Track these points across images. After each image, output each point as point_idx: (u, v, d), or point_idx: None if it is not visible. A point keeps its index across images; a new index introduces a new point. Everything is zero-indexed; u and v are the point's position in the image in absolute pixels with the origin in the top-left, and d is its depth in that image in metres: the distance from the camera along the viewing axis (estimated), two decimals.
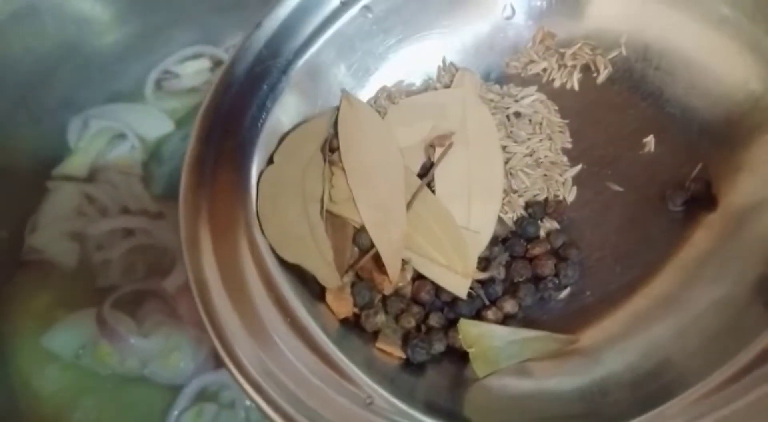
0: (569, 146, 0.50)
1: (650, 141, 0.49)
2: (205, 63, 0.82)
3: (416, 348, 0.42)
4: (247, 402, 0.62)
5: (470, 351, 0.42)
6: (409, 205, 0.45)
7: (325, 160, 0.46)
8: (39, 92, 0.73)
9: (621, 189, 0.48)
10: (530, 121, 0.51)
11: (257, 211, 0.44)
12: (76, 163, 0.74)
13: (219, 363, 0.64)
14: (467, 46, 0.54)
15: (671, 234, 0.46)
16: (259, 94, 0.47)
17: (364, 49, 0.52)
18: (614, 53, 0.52)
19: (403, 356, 0.43)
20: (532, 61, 0.54)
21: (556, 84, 0.53)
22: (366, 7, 0.51)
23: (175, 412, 0.61)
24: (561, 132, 0.51)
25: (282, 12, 0.48)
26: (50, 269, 0.69)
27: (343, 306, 0.43)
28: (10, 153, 0.71)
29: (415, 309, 0.45)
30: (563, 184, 0.49)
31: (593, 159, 0.50)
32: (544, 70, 0.54)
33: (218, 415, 0.62)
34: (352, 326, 0.44)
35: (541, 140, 0.50)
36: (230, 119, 0.45)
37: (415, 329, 0.44)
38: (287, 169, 0.46)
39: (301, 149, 0.47)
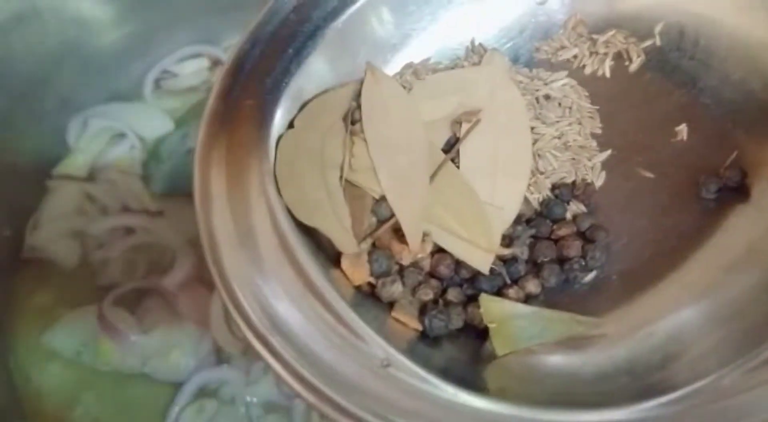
0: (599, 131, 0.50)
1: (683, 129, 0.48)
2: (203, 62, 0.82)
3: (435, 319, 0.41)
4: (248, 398, 0.62)
5: (491, 326, 0.41)
6: (431, 177, 0.44)
7: (346, 130, 0.46)
8: (39, 92, 0.73)
9: (652, 175, 0.47)
10: (560, 104, 0.50)
11: (275, 173, 0.43)
12: (77, 163, 0.74)
13: (219, 359, 0.64)
14: (497, 28, 0.53)
15: (703, 221, 0.45)
16: (283, 57, 0.46)
17: (393, 23, 0.51)
18: (648, 42, 0.51)
19: (420, 327, 0.42)
20: (563, 47, 0.53)
21: (587, 71, 0.52)
22: None
23: (176, 409, 0.61)
24: (591, 117, 0.50)
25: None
26: (51, 267, 0.69)
27: (358, 272, 0.42)
28: (10, 152, 0.71)
29: (433, 282, 0.44)
30: (592, 168, 0.48)
31: (623, 145, 0.49)
32: (575, 56, 0.53)
33: (218, 411, 0.62)
34: (368, 295, 0.43)
35: (570, 124, 0.49)
36: (252, 79, 0.45)
37: (433, 302, 0.43)
38: (307, 134, 0.45)
39: (322, 117, 0.46)
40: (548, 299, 0.44)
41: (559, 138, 0.49)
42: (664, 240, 0.45)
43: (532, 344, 0.41)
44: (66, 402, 0.62)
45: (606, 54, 0.52)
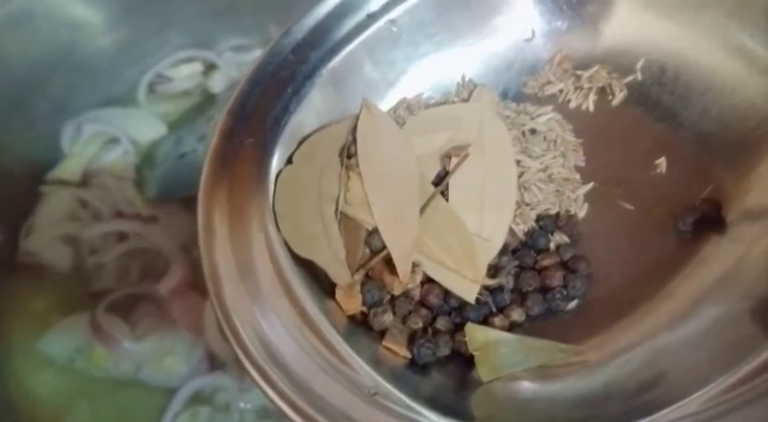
0: (582, 164, 0.51)
1: (662, 162, 0.50)
2: (197, 67, 0.83)
3: (422, 347, 0.43)
4: (241, 405, 0.62)
5: (476, 354, 0.43)
6: (422, 210, 0.46)
7: (342, 164, 0.48)
8: (32, 97, 0.74)
9: (632, 207, 0.49)
10: (545, 138, 0.52)
11: (273, 207, 0.45)
12: (70, 168, 0.75)
13: (213, 366, 0.65)
14: (486, 64, 0.55)
15: (680, 252, 0.46)
16: (283, 96, 0.48)
17: (386, 60, 0.53)
18: (630, 78, 0.53)
19: (409, 355, 0.43)
20: (549, 82, 0.55)
21: (572, 105, 0.54)
22: (391, 21, 0.52)
23: (170, 415, 0.62)
24: (575, 150, 0.52)
25: (310, 20, 0.50)
26: (44, 273, 0.69)
27: (351, 303, 0.44)
28: (3, 157, 0.72)
29: (423, 311, 0.45)
30: (575, 200, 0.50)
31: (605, 178, 0.50)
32: (561, 91, 0.54)
33: (212, 418, 0.63)
34: (360, 324, 0.45)
35: (554, 157, 0.51)
36: (253, 118, 0.47)
37: (422, 330, 0.45)
38: (305, 169, 0.47)
39: (319, 152, 0.48)
40: (532, 327, 0.46)
41: (544, 171, 0.50)
42: (643, 270, 0.46)
43: (515, 370, 0.42)
44: (60, 408, 0.63)
45: (590, 88, 0.54)
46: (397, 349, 0.43)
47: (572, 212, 0.49)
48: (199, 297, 0.67)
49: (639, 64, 0.52)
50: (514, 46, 0.55)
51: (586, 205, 0.50)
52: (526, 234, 0.48)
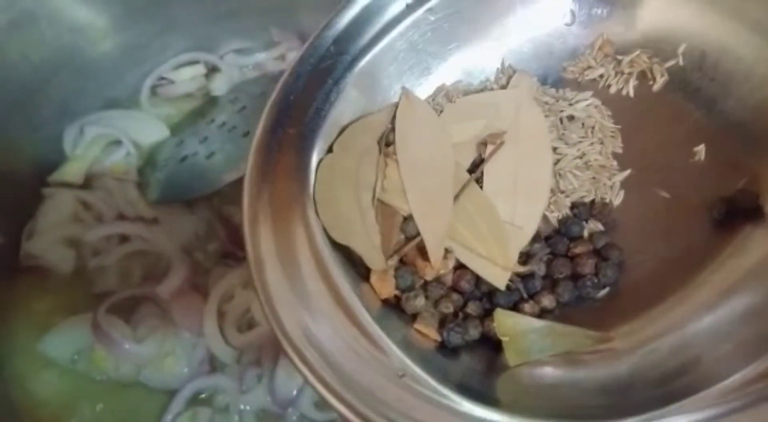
0: (620, 151, 0.51)
1: (701, 150, 0.49)
2: (199, 69, 0.83)
3: (452, 331, 0.43)
4: (241, 406, 0.63)
5: (504, 339, 0.43)
6: (456, 197, 0.46)
7: (380, 152, 0.48)
8: (35, 99, 0.74)
9: (668, 195, 0.49)
10: (583, 124, 0.52)
11: (314, 195, 0.46)
12: (72, 170, 0.75)
13: (213, 367, 0.65)
14: (526, 49, 0.55)
15: (714, 242, 0.46)
16: (324, 87, 0.49)
17: (426, 50, 0.53)
18: (671, 62, 0.52)
19: (439, 339, 0.44)
20: (589, 67, 0.54)
21: (612, 90, 0.54)
22: (430, 10, 0.52)
23: (169, 416, 0.62)
24: (613, 137, 0.52)
25: (350, 13, 0.50)
26: (47, 275, 0.70)
27: (385, 287, 0.45)
28: (6, 160, 0.72)
29: (455, 296, 0.46)
30: (611, 187, 0.50)
31: (643, 165, 0.50)
32: (601, 76, 0.54)
33: (212, 419, 0.63)
34: (393, 307, 0.46)
35: (592, 143, 0.51)
36: (296, 109, 0.48)
37: (453, 315, 0.46)
38: (344, 158, 0.48)
39: (358, 140, 0.49)
40: (563, 313, 0.46)
41: (580, 158, 0.50)
42: (676, 260, 0.46)
43: (542, 356, 0.43)
44: (61, 410, 0.63)
45: (631, 73, 0.53)
46: (428, 332, 0.44)
47: (607, 200, 0.50)
48: (200, 298, 0.67)
49: (681, 49, 0.52)
50: (554, 30, 0.55)
51: (622, 193, 0.50)
52: (560, 221, 0.49)
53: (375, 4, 0.51)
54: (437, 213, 0.46)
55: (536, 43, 0.55)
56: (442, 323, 0.45)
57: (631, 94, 0.53)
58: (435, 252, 0.45)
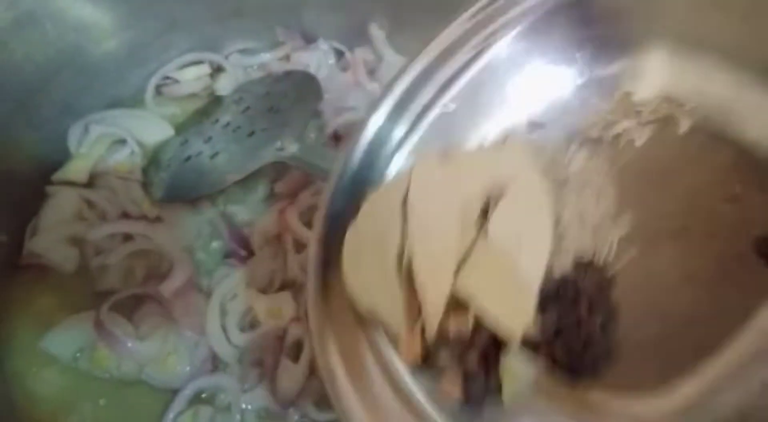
0: (619, 206, 0.50)
1: (736, 189, 0.46)
2: (204, 69, 0.83)
3: (474, 383, 0.44)
4: (243, 405, 0.63)
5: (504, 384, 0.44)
6: (466, 256, 0.46)
7: (402, 216, 0.48)
8: (40, 98, 0.74)
9: (706, 239, 0.46)
10: (584, 180, 0.51)
11: (342, 265, 0.47)
12: (76, 168, 0.75)
13: (215, 366, 0.65)
14: (546, 104, 0.55)
15: (740, 294, 0.43)
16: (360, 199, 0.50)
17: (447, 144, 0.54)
18: (693, 104, 0.50)
19: (461, 395, 0.44)
20: (611, 123, 0.53)
21: (637, 144, 0.52)
22: (445, 105, 0.54)
23: (171, 415, 0.62)
24: (611, 192, 0.50)
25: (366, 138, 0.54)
26: (50, 273, 0.69)
27: (413, 348, 0.45)
28: (10, 158, 0.72)
29: (472, 352, 0.45)
30: (612, 243, 0.48)
31: (647, 218, 0.48)
32: (624, 129, 0.52)
33: (214, 418, 0.63)
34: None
35: (590, 200, 0.50)
36: (342, 222, 0.49)
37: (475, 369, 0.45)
38: (369, 224, 0.48)
39: (382, 205, 0.49)
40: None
41: (579, 215, 0.50)
42: (692, 320, 0.43)
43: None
44: (62, 407, 0.63)
45: (654, 121, 0.52)
46: (451, 390, 0.44)
47: (610, 256, 0.48)
48: (202, 298, 0.67)
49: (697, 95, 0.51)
50: (570, 90, 0.55)
51: (626, 247, 0.48)
52: (560, 280, 0.47)
53: (392, 116, 0.54)
54: (439, 281, 0.45)
55: (558, 102, 0.55)
56: (465, 379, 0.45)
57: (655, 141, 0.51)
58: (432, 319, 0.44)
